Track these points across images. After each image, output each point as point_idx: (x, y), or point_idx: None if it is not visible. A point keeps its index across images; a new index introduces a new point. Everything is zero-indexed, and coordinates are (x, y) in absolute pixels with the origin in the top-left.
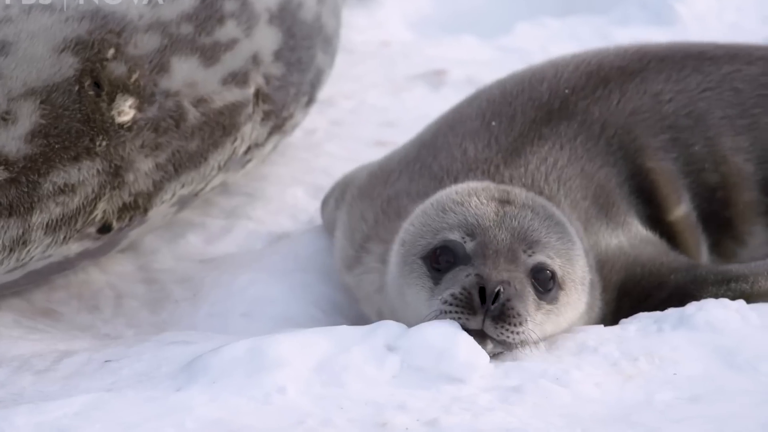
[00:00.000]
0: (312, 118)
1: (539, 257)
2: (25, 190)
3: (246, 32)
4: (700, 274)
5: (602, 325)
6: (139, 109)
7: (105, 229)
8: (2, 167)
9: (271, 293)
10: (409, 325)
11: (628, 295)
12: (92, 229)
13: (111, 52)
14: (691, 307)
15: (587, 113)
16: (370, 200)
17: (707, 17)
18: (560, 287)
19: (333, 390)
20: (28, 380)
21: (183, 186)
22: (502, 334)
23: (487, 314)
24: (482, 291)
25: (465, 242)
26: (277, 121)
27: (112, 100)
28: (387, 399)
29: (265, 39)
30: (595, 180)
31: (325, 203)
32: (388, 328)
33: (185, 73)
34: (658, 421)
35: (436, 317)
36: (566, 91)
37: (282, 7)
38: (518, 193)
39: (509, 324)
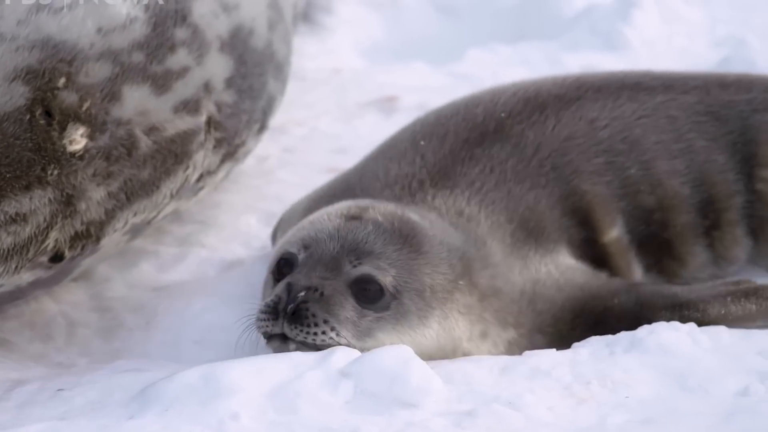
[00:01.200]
0: (264, 146)
1: (365, 268)
2: None
3: (197, 60)
4: (648, 299)
5: (554, 349)
6: (91, 137)
7: (57, 258)
8: None
9: (225, 320)
10: None
11: (577, 317)
12: (44, 258)
13: (62, 81)
14: (643, 330)
15: (522, 136)
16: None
17: (657, 42)
18: (394, 297)
19: (286, 416)
20: None
21: (135, 214)
22: (298, 335)
23: (285, 316)
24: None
25: (299, 253)
26: (230, 148)
27: (63, 129)
28: (341, 425)
29: (217, 67)
30: (524, 202)
31: (274, 244)
32: (341, 354)
33: (137, 101)
34: None
35: (256, 324)
36: (502, 114)
37: (233, 34)
38: (378, 208)
39: (303, 325)
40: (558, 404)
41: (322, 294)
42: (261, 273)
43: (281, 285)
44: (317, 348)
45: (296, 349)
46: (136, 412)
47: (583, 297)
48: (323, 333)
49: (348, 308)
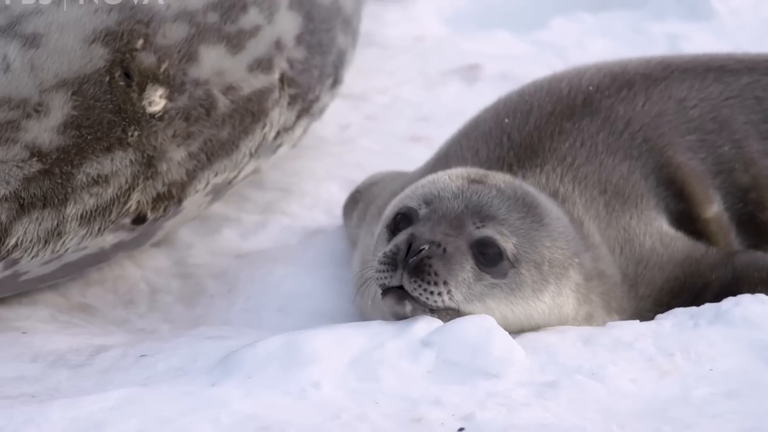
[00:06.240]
0: (346, 113)
1: (488, 231)
2: (59, 181)
3: (268, 18)
4: (745, 273)
5: (638, 321)
6: (170, 98)
7: (140, 219)
8: (36, 159)
9: (306, 288)
10: None
11: (676, 298)
12: (127, 220)
13: (140, 42)
14: (728, 302)
15: (611, 110)
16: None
17: (742, 11)
18: (512, 265)
19: (368, 385)
20: (63, 375)
21: (216, 174)
22: (416, 290)
23: (405, 268)
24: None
25: (420, 209)
26: (304, 104)
27: (142, 90)
28: (422, 394)
29: (287, 24)
30: (617, 172)
31: (347, 215)
32: (423, 323)
33: (213, 61)
34: (694, 416)
35: (374, 276)
36: (590, 88)
37: None
38: (497, 176)
39: (423, 281)
40: (641, 376)
41: (444, 250)
42: (342, 241)
43: (402, 235)
44: (429, 310)
45: (412, 311)
46: (218, 379)
47: (683, 276)
48: (438, 294)
49: (467, 269)
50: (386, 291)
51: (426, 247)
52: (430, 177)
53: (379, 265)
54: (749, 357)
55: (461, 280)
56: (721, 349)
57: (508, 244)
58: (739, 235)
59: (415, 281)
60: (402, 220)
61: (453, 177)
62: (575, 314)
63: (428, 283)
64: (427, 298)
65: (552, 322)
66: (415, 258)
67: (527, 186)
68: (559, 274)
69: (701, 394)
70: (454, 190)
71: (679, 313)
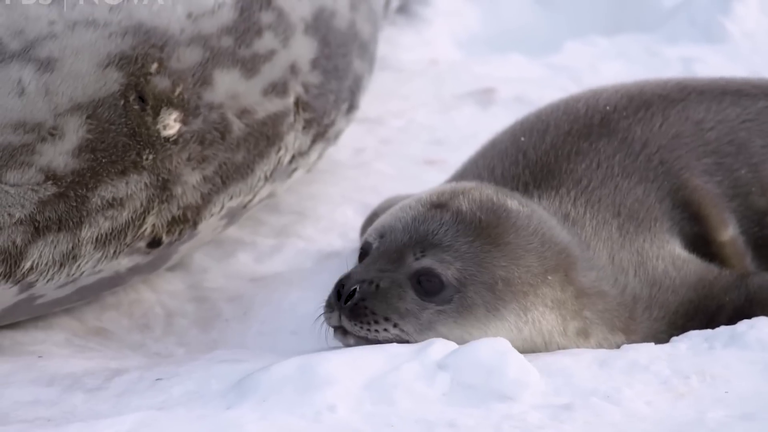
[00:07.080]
0: (361, 137)
1: (426, 261)
2: (74, 204)
3: (283, 43)
4: (758, 295)
5: (653, 343)
6: (184, 122)
7: (155, 243)
8: (51, 182)
9: (321, 311)
10: None
11: (691, 320)
12: (142, 244)
13: (154, 66)
14: (742, 325)
15: (629, 131)
16: None
17: (757, 35)
18: (458, 289)
19: (383, 408)
20: (79, 398)
21: (231, 198)
22: (360, 330)
23: (342, 311)
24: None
25: (374, 243)
26: (319, 128)
27: (157, 113)
28: (437, 417)
29: (302, 48)
30: (632, 195)
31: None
32: (438, 346)
33: (228, 85)
34: None
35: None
36: (607, 108)
37: (316, 16)
38: (470, 194)
39: (362, 322)
40: (656, 399)
41: (377, 287)
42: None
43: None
44: (374, 342)
45: (355, 343)
46: (234, 402)
47: (697, 298)
48: (385, 330)
49: (407, 300)
50: (335, 328)
51: (357, 287)
52: (401, 203)
53: (324, 306)
54: (764, 379)
55: (404, 311)
56: (736, 371)
57: (450, 270)
58: (755, 259)
59: (355, 323)
60: (363, 255)
61: (418, 203)
62: (563, 329)
63: (368, 323)
64: (375, 335)
65: (532, 337)
66: (351, 302)
67: (503, 201)
68: (521, 291)
69: (716, 417)
70: (407, 221)
71: (694, 335)
